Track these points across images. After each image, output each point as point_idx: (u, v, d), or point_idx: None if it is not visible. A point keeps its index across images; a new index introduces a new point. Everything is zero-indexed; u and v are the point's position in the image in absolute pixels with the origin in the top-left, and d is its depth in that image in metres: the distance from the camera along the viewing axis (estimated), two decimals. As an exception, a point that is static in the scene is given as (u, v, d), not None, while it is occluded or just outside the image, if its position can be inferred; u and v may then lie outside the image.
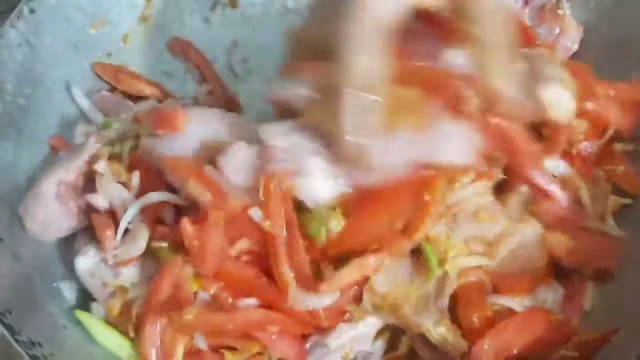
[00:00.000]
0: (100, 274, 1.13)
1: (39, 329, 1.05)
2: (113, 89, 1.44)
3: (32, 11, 1.30)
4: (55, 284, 1.17)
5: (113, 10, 1.45)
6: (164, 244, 1.12)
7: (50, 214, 1.19)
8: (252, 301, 1.06)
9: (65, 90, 1.38)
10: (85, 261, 1.15)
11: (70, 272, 1.19)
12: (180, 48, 1.54)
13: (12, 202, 1.21)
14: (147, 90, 1.44)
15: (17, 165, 1.25)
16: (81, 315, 1.12)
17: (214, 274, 1.06)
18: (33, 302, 1.11)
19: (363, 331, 1.07)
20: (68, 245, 1.24)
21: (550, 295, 1.08)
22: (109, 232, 1.14)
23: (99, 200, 1.19)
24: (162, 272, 1.08)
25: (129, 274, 1.13)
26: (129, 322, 1.09)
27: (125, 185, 1.18)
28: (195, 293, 1.08)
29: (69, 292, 1.17)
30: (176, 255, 1.09)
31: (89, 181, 1.23)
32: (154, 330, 1.05)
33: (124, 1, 1.47)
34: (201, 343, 1.06)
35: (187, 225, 1.05)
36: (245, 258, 1.09)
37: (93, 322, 1.12)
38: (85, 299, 1.18)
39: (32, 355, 0.98)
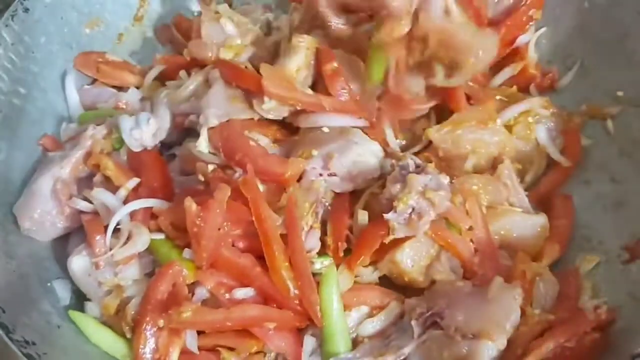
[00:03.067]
0: (96, 273, 1.13)
1: (33, 328, 1.04)
2: (95, 80, 1.44)
3: (26, 10, 1.29)
4: (49, 283, 1.17)
5: (108, 10, 1.45)
6: (161, 236, 1.13)
7: (46, 212, 1.19)
8: (248, 291, 1.07)
9: (60, 90, 1.38)
10: (79, 261, 1.15)
11: (65, 272, 1.18)
12: (166, 36, 1.54)
13: (5, 201, 1.21)
14: (131, 79, 1.44)
15: (11, 165, 1.25)
16: (75, 315, 1.11)
17: (210, 262, 1.07)
18: (27, 301, 1.10)
19: (355, 317, 1.10)
20: (62, 245, 1.24)
21: (547, 289, 1.10)
22: (99, 236, 1.14)
23: (82, 204, 1.20)
24: (160, 272, 1.08)
25: (128, 272, 1.13)
26: (124, 322, 1.09)
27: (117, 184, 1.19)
28: (193, 286, 1.09)
29: (63, 291, 1.17)
30: (173, 248, 1.11)
31: (84, 179, 1.24)
32: (150, 331, 1.05)
33: (118, 1, 1.47)
34: (192, 343, 1.06)
35: (191, 204, 1.06)
36: (240, 245, 1.10)
37: (87, 322, 1.11)
38: (79, 298, 1.18)
39: (26, 353, 0.97)
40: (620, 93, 1.28)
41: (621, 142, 1.26)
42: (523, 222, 1.18)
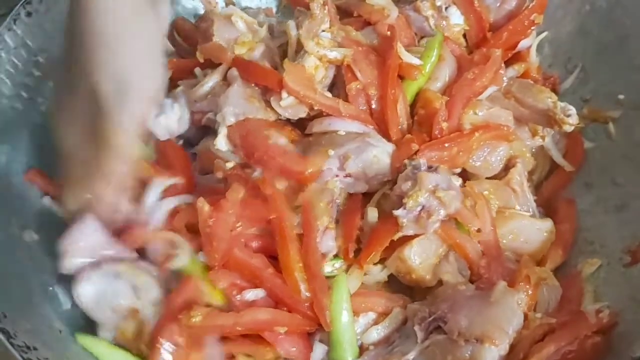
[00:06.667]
0: (107, 300, 1.09)
1: (35, 333, 1.03)
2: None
3: (29, 14, 1.29)
4: (51, 288, 1.16)
5: (110, 13, 1.45)
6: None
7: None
8: (259, 292, 1.07)
9: (61, 93, 1.38)
10: (87, 288, 1.09)
11: (66, 276, 1.16)
12: (167, 38, 1.53)
13: (7, 204, 1.20)
14: None
15: (13, 168, 1.24)
16: (84, 340, 1.09)
17: (222, 263, 1.07)
18: (28, 306, 1.10)
19: (362, 323, 1.09)
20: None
21: (550, 294, 1.11)
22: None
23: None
24: (178, 290, 1.08)
25: (147, 295, 1.10)
26: (141, 342, 1.08)
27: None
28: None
29: (64, 296, 1.16)
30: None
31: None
32: (166, 345, 1.04)
33: (120, 4, 1.47)
34: (215, 350, 1.05)
35: (203, 205, 1.06)
36: (254, 245, 1.10)
37: (98, 346, 1.09)
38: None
39: (28, 359, 0.97)
40: (621, 96, 1.29)
41: (623, 145, 1.26)
42: (530, 227, 1.18)
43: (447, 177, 1.08)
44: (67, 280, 1.17)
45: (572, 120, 1.20)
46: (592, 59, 1.36)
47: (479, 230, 1.11)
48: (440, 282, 1.12)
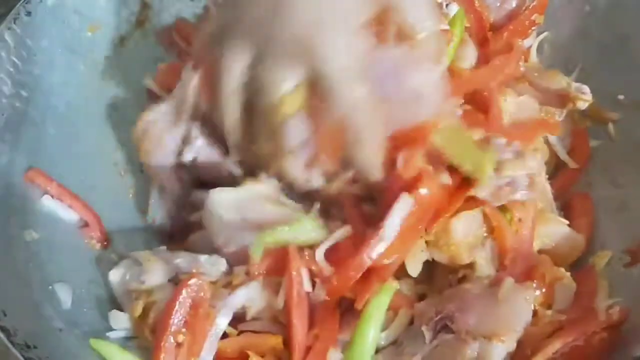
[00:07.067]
0: (124, 283, 1.19)
1: (35, 332, 1.03)
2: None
3: (29, 13, 1.29)
4: (50, 287, 1.16)
5: (110, 13, 1.45)
6: None
7: None
8: None
9: (60, 92, 1.37)
10: (116, 272, 1.21)
11: (65, 275, 1.18)
12: (168, 39, 1.54)
13: (7, 205, 1.20)
14: None
15: (13, 168, 1.24)
16: (97, 343, 1.09)
17: None
18: (29, 305, 1.09)
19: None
20: (62, 247, 1.23)
21: (564, 292, 1.10)
22: None
23: None
24: (179, 289, 1.08)
25: (153, 279, 1.16)
26: (146, 327, 1.10)
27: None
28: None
29: (64, 294, 1.16)
30: None
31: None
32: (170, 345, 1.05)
33: (121, 4, 1.47)
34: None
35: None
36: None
37: (110, 349, 1.10)
38: (80, 303, 1.17)
39: (28, 357, 0.96)
40: (621, 96, 1.29)
41: (623, 145, 1.26)
42: (563, 234, 1.17)
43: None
44: (67, 280, 1.18)
45: (586, 97, 1.21)
46: (592, 59, 1.36)
47: (520, 221, 1.10)
48: (468, 266, 1.11)
